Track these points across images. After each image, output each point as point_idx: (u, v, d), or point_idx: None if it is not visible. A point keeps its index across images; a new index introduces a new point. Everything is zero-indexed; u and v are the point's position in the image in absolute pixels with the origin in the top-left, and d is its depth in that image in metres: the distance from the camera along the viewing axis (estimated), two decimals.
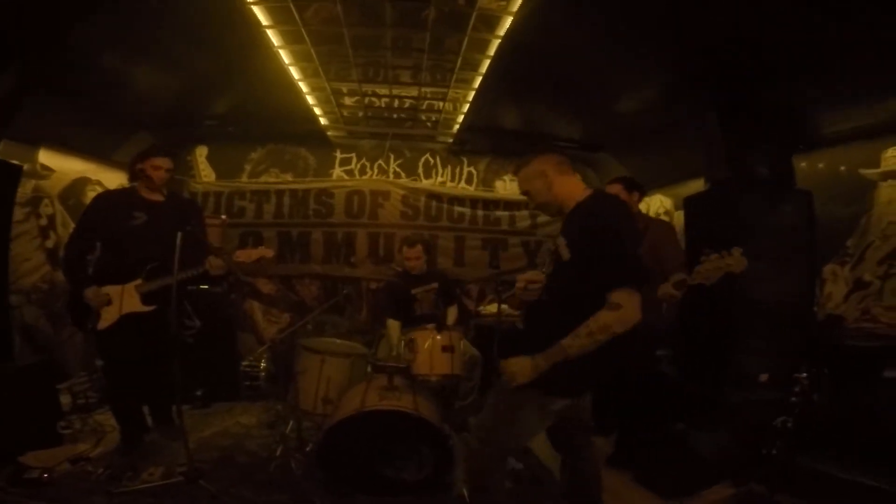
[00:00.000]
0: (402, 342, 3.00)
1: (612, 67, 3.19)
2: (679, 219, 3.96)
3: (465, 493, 2.42)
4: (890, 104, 2.76)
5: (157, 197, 2.76)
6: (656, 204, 4.50)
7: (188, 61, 3.24)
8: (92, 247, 2.75)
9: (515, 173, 1.90)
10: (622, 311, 1.54)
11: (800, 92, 2.95)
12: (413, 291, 3.59)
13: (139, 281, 2.63)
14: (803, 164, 3.28)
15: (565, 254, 1.67)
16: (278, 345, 3.00)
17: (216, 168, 4.82)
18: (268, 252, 2.76)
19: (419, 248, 3.61)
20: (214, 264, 2.59)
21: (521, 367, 1.62)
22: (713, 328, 3.00)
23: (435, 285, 3.64)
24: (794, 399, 2.54)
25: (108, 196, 2.93)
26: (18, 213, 3.24)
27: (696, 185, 3.72)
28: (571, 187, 1.80)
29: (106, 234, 2.70)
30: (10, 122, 2.88)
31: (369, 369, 3.11)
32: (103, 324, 2.60)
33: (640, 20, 2.58)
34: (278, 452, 2.77)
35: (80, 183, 3.98)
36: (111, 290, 2.63)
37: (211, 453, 2.86)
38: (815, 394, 2.59)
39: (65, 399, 3.28)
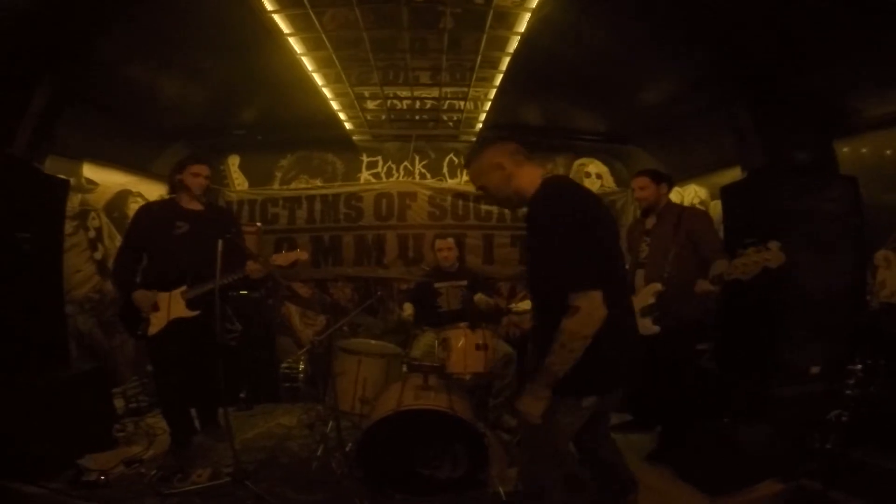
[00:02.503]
0: (436, 342, 3.02)
1: (637, 57, 3.10)
2: (715, 209, 3.84)
3: (501, 490, 2.43)
4: None
5: (197, 206, 2.87)
6: (690, 194, 4.37)
7: (215, 72, 3.33)
8: (139, 258, 2.88)
9: (466, 167, 1.73)
10: (581, 314, 1.44)
11: (836, 76, 2.80)
12: (437, 286, 3.61)
13: (184, 287, 2.75)
14: (846, 150, 3.12)
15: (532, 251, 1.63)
16: (316, 347, 3.05)
17: (248, 176, 4.96)
18: (303, 254, 2.87)
19: (451, 240, 3.64)
20: (253, 268, 2.71)
21: (528, 406, 1.56)
22: (755, 320, 2.90)
23: (464, 282, 3.64)
24: (849, 391, 2.44)
25: (150, 208, 3.06)
26: (68, 227, 3.39)
27: (732, 174, 3.59)
28: (532, 177, 1.64)
29: (151, 244, 2.83)
30: (52, 135, 2.99)
31: (404, 369, 3.15)
32: (153, 329, 2.73)
33: (665, 8, 2.51)
34: (319, 452, 2.84)
35: (123, 195, 4.17)
36: (158, 297, 2.75)
37: (255, 454, 2.95)
38: (871, 385, 2.47)
39: (118, 403, 3.43)
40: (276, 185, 4.94)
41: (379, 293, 4.56)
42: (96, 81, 3.10)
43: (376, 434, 2.46)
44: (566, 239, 1.48)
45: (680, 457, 2.69)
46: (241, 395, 3.80)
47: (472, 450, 2.48)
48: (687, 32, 2.71)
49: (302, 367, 4.19)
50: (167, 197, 2.99)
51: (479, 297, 3.60)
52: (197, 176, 2.82)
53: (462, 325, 2.97)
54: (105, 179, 3.98)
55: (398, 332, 4.04)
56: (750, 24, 2.53)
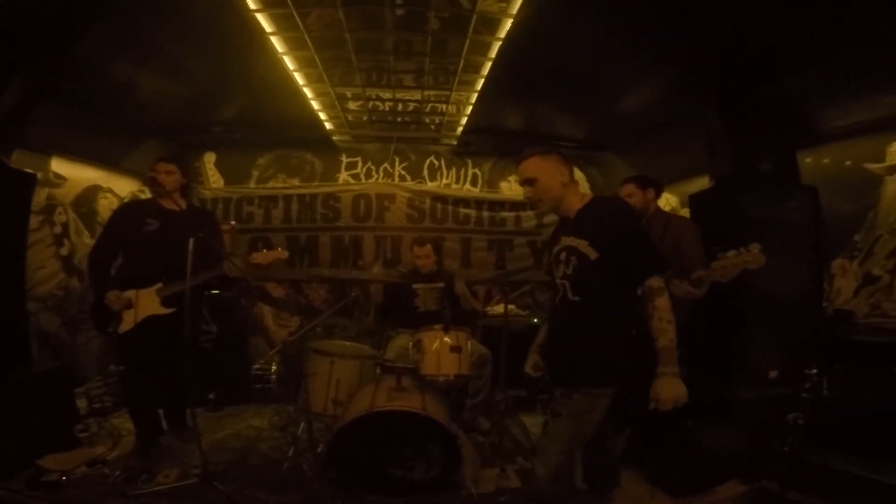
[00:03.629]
0: (410, 343, 3.03)
1: (613, 66, 3.19)
2: (685, 216, 3.96)
3: (474, 492, 2.45)
4: (894, 98, 2.76)
5: (175, 206, 2.84)
6: (662, 202, 4.47)
7: (194, 69, 3.30)
8: (115, 255, 2.86)
9: (529, 155, 1.90)
10: (666, 292, 1.71)
11: (802, 87, 2.94)
12: (414, 286, 3.62)
13: (159, 285, 2.72)
14: (808, 160, 3.28)
15: (591, 253, 1.73)
16: (289, 347, 3.03)
17: (224, 174, 4.89)
18: (282, 253, 2.89)
19: (429, 247, 3.65)
20: (231, 266, 2.70)
21: (678, 389, 1.67)
22: (720, 325, 3.00)
23: (441, 285, 3.66)
24: (804, 395, 2.54)
25: (129, 206, 3.09)
26: (33, 222, 3.31)
27: (702, 183, 3.72)
28: (577, 192, 1.91)
29: (127, 241, 2.81)
30: (23, 130, 2.95)
31: (378, 371, 3.14)
32: (124, 326, 2.69)
33: (640, 18, 2.59)
34: (290, 454, 2.82)
35: (92, 191, 4.06)
36: (132, 294, 2.71)
37: (224, 455, 2.91)
38: (825, 389, 2.58)
39: (81, 403, 3.33)
40: (252, 184, 4.88)
41: (353, 294, 4.54)
42: (70, 76, 3.04)
43: (349, 435, 2.46)
44: (645, 236, 1.81)
45: (648, 458, 2.75)
46: (211, 396, 3.74)
47: (445, 451, 2.50)
48: (663, 42, 2.80)
49: (274, 368, 4.16)
50: (148, 197, 2.99)
51: (459, 286, 3.63)
52: (169, 174, 2.83)
53: (437, 326, 2.98)
54: (74, 174, 3.88)
55: (373, 334, 4.04)
56: (723, 34, 2.63)
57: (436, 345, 2.89)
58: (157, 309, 2.71)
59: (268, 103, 3.90)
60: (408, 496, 2.46)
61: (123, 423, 3.25)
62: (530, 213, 4.86)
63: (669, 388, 1.65)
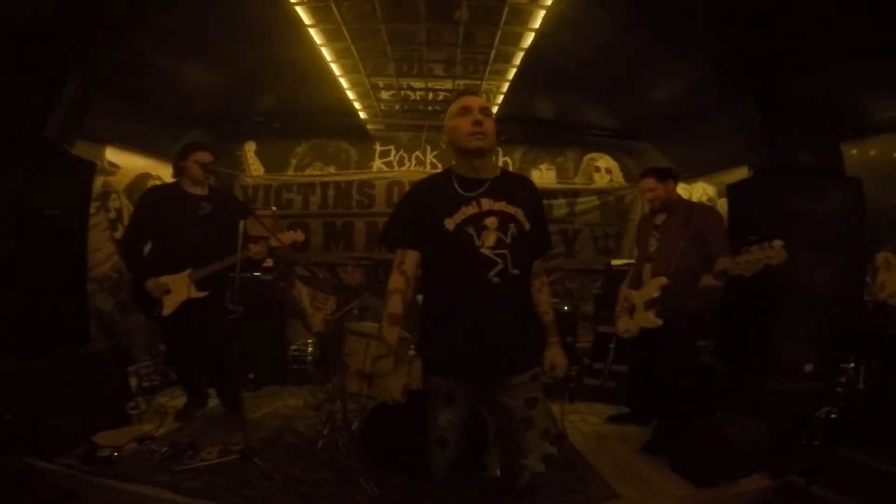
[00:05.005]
0: None
1: (650, 55, 3.15)
2: (722, 206, 3.86)
3: (499, 473, 2.52)
4: None
5: (200, 191, 2.95)
6: (699, 191, 4.41)
7: (236, 60, 3.43)
8: (144, 240, 2.96)
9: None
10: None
11: (846, 78, 2.82)
12: None
13: (190, 269, 2.84)
14: (854, 152, 3.15)
15: (526, 224, 1.65)
16: (327, 328, 3.15)
17: (264, 162, 5.08)
18: (299, 235, 2.97)
19: None
20: (255, 250, 2.81)
21: (563, 356, 1.73)
22: (754, 317, 2.96)
23: None
24: (839, 389, 2.49)
25: (155, 191, 3.15)
26: (90, 207, 3.41)
27: (741, 173, 3.63)
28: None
29: (157, 227, 2.91)
30: (81, 120, 3.07)
31: (411, 352, 3.23)
32: (166, 311, 2.83)
33: (677, 7, 2.54)
34: (325, 432, 2.92)
35: (143, 178, 4.28)
36: (168, 279, 2.84)
37: (262, 433, 3.01)
38: (862, 384, 2.52)
39: (132, 381, 3.50)
40: (290, 171, 5.05)
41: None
42: (123, 69, 3.20)
43: (381, 415, 2.53)
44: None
45: (674, 449, 2.76)
46: (250, 376, 3.89)
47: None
48: (700, 31, 2.74)
49: (311, 349, 4.30)
50: (171, 181, 3.06)
51: None
52: (199, 163, 2.89)
53: None
54: (126, 163, 4.10)
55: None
56: (762, 23, 2.55)
57: None
58: (193, 293, 2.84)
59: (305, 94, 4.03)
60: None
61: (170, 401, 3.44)
62: (562, 201, 4.84)
63: (562, 355, 1.72)
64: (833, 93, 2.95)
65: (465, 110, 1.66)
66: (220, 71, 3.61)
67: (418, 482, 2.38)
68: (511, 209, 1.64)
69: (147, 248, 3.00)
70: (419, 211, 1.67)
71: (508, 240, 1.60)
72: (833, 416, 2.42)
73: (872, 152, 3.08)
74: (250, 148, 5.07)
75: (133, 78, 3.40)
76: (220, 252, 2.83)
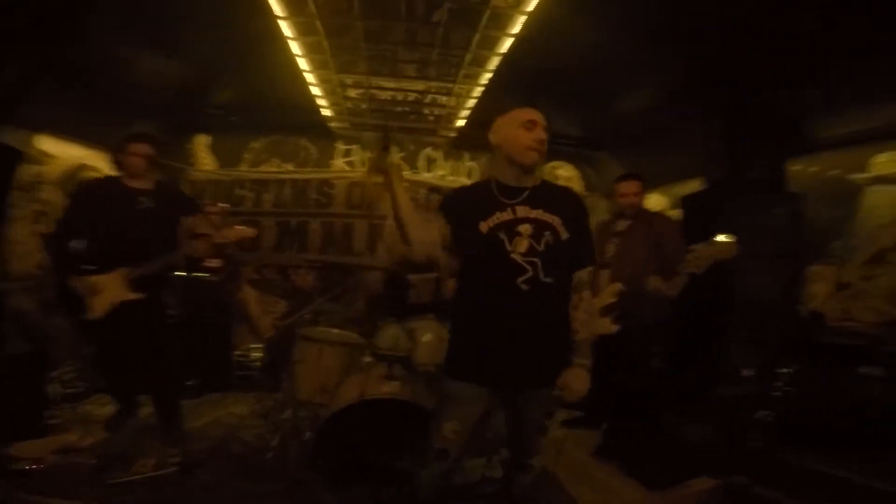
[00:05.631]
0: (403, 332, 3.04)
1: (616, 70, 3.26)
2: (674, 217, 4.05)
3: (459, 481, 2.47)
4: (881, 112, 2.87)
5: (142, 184, 2.73)
6: (652, 202, 4.58)
7: (196, 49, 3.25)
8: (76, 236, 2.70)
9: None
10: (589, 286, 1.72)
11: (794, 99, 3.05)
12: (410, 277, 3.62)
13: (126, 269, 2.61)
14: (797, 168, 3.38)
15: (563, 233, 1.65)
16: (279, 333, 3.01)
17: (217, 157, 4.82)
18: (249, 231, 2.82)
19: None
20: (198, 248, 2.63)
21: (586, 383, 1.62)
22: (703, 324, 3.10)
23: (434, 275, 3.67)
24: (776, 393, 2.63)
25: (91, 185, 2.91)
26: (16, 198, 3.21)
27: (692, 186, 3.81)
28: None
29: (91, 222, 2.67)
30: (15, 108, 2.85)
31: (367, 359, 3.15)
32: (94, 313, 2.58)
33: (647, 25, 2.64)
34: (274, 442, 2.79)
35: (79, 169, 3.93)
36: (99, 279, 2.59)
37: (204, 443, 2.83)
38: (793, 389, 2.67)
39: (53, 388, 3.22)
40: (244, 167, 4.82)
41: (349, 281, 4.49)
42: (66, 52, 2.96)
43: (338, 423, 2.44)
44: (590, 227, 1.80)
45: (626, 453, 2.82)
46: (190, 383, 3.64)
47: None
48: (666, 49, 2.86)
49: (257, 354, 4.12)
50: (110, 175, 2.84)
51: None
52: (135, 155, 2.66)
53: (430, 316, 3.00)
54: (62, 152, 3.75)
55: (360, 323, 4.03)
56: (726, 44, 2.70)
57: (428, 334, 2.91)
58: (126, 294, 2.60)
59: (267, 87, 3.87)
60: (395, 485, 2.47)
61: (96, 409, 3.19)
62: None
63: (583, 381, 1.61)
64: (784, 112, 3.16)
65: (532, 124, 1.70)
66: (176, 59, 3.40)
67: (389, 493, 2.34)
68: (548, 217, 1.65)
69: (79, 244, 2.72)
70: (459, 214, 1.67)
71: (541, 248, 1.61)
72: (770, 419, 2.55)
73: (812, 169, 3.32)
74: (202, 141, 4.79)
75: (76, 62, 3.13)
76: (159, 250, 2.63)
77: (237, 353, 4.04)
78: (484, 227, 1.63)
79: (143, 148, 2.68)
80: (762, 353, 2.86)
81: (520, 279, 1.59)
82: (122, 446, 2.65)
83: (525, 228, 1.63)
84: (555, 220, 1.65)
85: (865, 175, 3.03)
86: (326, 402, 2.85)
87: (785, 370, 2.48)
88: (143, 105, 4.05)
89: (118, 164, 2.73)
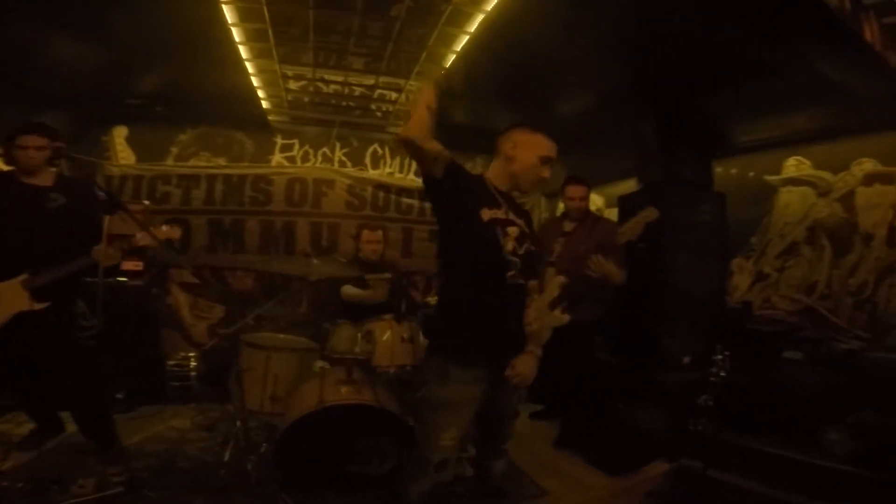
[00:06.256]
0: (359, 334, 2.96)
1: (560, 73, 3.37)
2: (610, 215, 4.31)
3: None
4: (793, 119, 3.22)
5: (41, 181, 2.43)
6: (590, 201, 4.82)
7: (117, 33, 2.91)
8: None
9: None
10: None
11: (722, 104, 3.32)
12: (366, 277, 3.54)
13: (25, 276, 2.32)
14: (718, 170, 3.71)
15: (531, 245, 1.82)
16: (214, 340, 2.82)
17: (138, 150, 4.36)
18: (173, 232, 2.61)
19: (380, 232, 3.57)
20: (103, 253, 2.31)
21: (535, 370, 1.76)
22: (642, 315, 3.31)
23: (388, 274, 3.61)
24: (713, 379, 2.88)
25: None
26: None
27: (627, 186, 4.05)
28: None
29: None
30: None
31: (319, 364, 3.04)
32: None
33: (589, 32, 2.75)
34: (227, 456, 2.62)
35: None
36: None
37: (146, 460, 2.63)
38: (726, 373, 2.94)
39: None
40: (170, 161, 4.42)
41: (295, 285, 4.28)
42: None
43: (297, 432, 2.35)
44: None
45: (585, 442, 2.96)
46: (119, 396, 3.35)
47: (400, 443, 2.48)
48: (607, 54, 3.00)
49: (193, 363, 3.84)
50: (4, 170, 2.51)
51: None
52: (24, 148, 2.36)
53: (387, 317, 2.95)
54: None
55: (305, 326, 3.87)
56: (660, 51, 2.88)
57: (387, 335, 2.86)
58: (27, 304, 2.32)
59: (198, 76, 3.56)
60: (364, 491, 2.41)
61: (12, 428, 2.84)
62: None
63: (531, 366, 1.76)
64: (708, 117, 3.44)
65: (548, 160, 1.85)
66: (92, 43, 3.03)
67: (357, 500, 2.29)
68: (525, 228, 1.81)
69: None
70: (462, 189, 1.73)
71: (522, 251, 1.76)
72: (710, 403, 2.79)
73: (733, 171, 3.67)
74: (120, 133, 4.32)
75: None
76: (66, 254, 2.35)
77: (171, 362, 3.74)
78: (486, 215, 1.72)
79: (30, 140, 2.36)
80: (697, 341, 3.09)
81: (508, 275, 1.72)
82: (53, 468, 2.38)
83: (513, 230, 1.76)
84: (527, 232, 1.82)
85: (779, 177, 3.39)
86: (279, 412, 2.74)
87: (719, 357, 2.69)
88: (53, 93, 3.61)
89: (8, 159, 2.40)
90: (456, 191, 1.71)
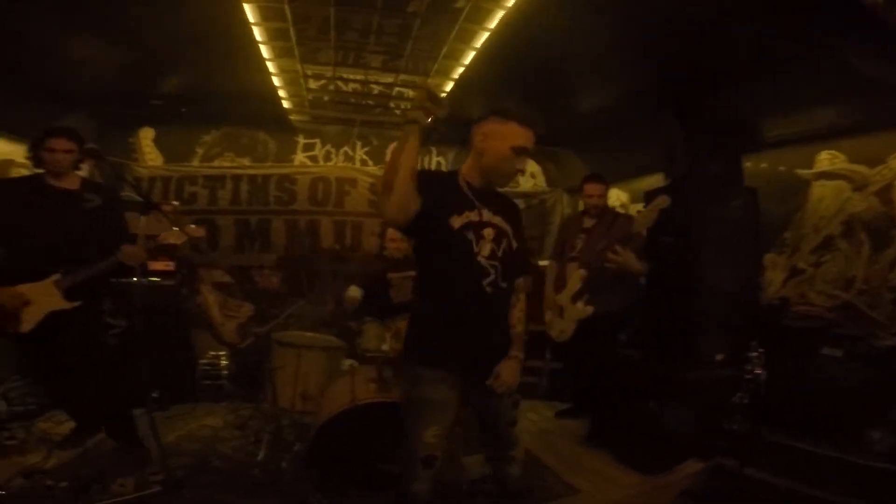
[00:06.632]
0: (388, 332, 2.97)
1: (580, 67, 3.32)
2: (635, 210, 4.22)
3: (458, 480, 2.48)
4: (824, 113, 3.11)
5: (69, 184, 2.50)
6: (613, 198, 4.75)
7: (140, 33, 2.95)
8: None
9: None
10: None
11: (750, 99, 3.23)
12: (389, 276, 3.55)
13: (57, 276, 2.39)
14: (748, 164, 3.61)
15: (513, 242, 1.72)
16: (243, 339, 2.86)
17: (164, 151, 4.47)
18: (197, 231, 2.65)
19: None
20: (129, 253, 2.40)
21: (518, 376, 1.71)
22: (671, 311, 3.25)
23: (413, 273, 3.60)
24: (747, 377, 2.82)
25: (9, 184, 2.66)
26: None
27: (651, 181, 3.98)
28: None
29: (10, 228, 2.43)
30: None
31: (348, 363, 3.06)
32: (26, 326, 2.35)
33: (611, 25, 2.70)
34: (261, 454, 2.66)
35: (5, 165, 3.52)
36: (26, 288, 2.35)
37: (182, 459, 2.69)
38: (761, 371, 2.88)
39: (0, 406, 2.96)
40: (196, 162, 4.50)
41: (323, 283, 4.32)
42: None
43: (330, 430, 2.37)
44: None
45: (615, 440, 2.93)
46: (154, 395, 3.39)
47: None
48: (631, 49, 2.94)
49: (224, 362, 3.91)
50: (31, 173, 2.58)
51: None
52: (53, 151, 2.42)
53: None
54: None
55: (330, 325, 3.90)
56: (685, 46, 2.81)
57: None
58: (59, 303, 2.39)
59: (221, 76, 3.60)
60: (392, 490, 2.44)
61: (54, 426, 2.93)
62: None
63: (515, 373, 1.70)
64: (737, 111, 3.35)
65: (522, 151, 1.68)
66: (116, 44, 3.08)
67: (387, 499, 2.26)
68: (504, 225, 1.70)
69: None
70: (430, 197, 1.58)
71: (500, 253, 1.66)
72: (744, 400, 2.74)
73: (763, 165, 3.57)
74: (147, 135, 4.43)
75: (1, 47, 2.80)
76: (98, 254, 2.42)
77: (203, 361, 3.82)
78: (456, 222, 1.62)
79: (59, 143, 2.43)
80: (731, 337, 3.02)
81: (485, 281, 1.63)
82: (94, 466, 2.46)
83: (489, 232, 1.66)
84: (508, 230, 1.71)
85: (811, 171, 3.29)
86: (310, 410, 2.77)
87: (754, 354, 2.63)
88: (79, 95, 3.69)
89: (37, 161, 2.47)
90: (426, 204, 1.56)
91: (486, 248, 1.64)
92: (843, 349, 2.69)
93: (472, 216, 1.65)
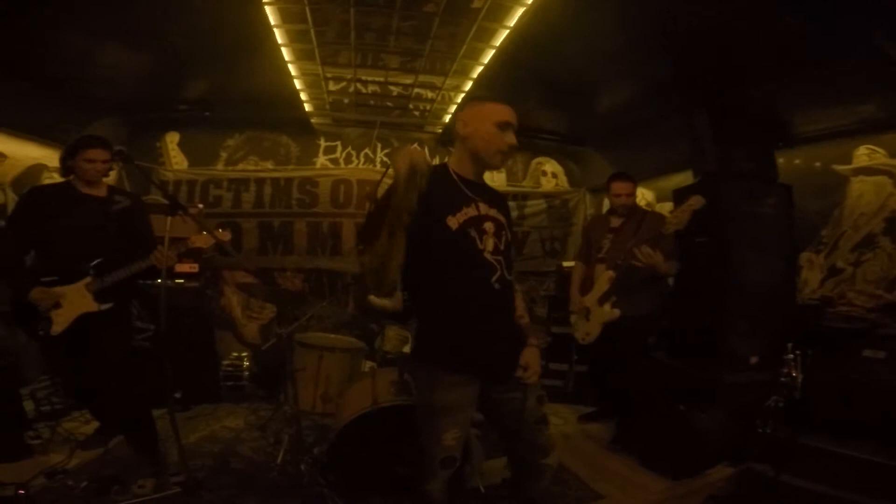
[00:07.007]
0: (409, 333, 2.95)
1: (605, 65, 3.24)
2: (662, 209, 4.10)
3: (480, 485, 2.43)
4: (861, 108, 2.97)
5: (96, 191, 2.55)
6: (638, 196, 4.63)
7: (163, 39, 3.01)
8: (27, 248, 2.51)
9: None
10: None
11: (782, 93, 3.10)
12: None
13: (88, 279, 2.44)
14: (781, 160, 3.47)
15: (508, 234, 1.69)
16: (264, 340, 2.86)
17: (189, 155, 4.55)
18: (224, 235, 2.65)
19: None
20: (160, 256, 2.42)
21: (538, 359, 1.69)
22: (702, 313, 3.14)
23: None
24: (783, 379, 2.70)
25: (42, 191, 2.70)
26: None
27: (677, 179, 3.86)
28: None
29: (44, 232, 2.47)
30: None
31: (369, 365, 3.04)
32: (57, 328, 2.39)
33: (633, 21, 2.63)
34: (280, 456, 2.66)
35: (37, 170, 3.64)
36: (61, 290, 2.41)
37: (202, 460, 2.70)
38: (799, 374, 2.75)
39: (27, 406, 3.00)
40: (220, 166, 4.57)
41: (350, 282, 4.32)
42: (21, 42, 2.71)
43: (351, 433, 2.33)
44: None
45: (642, 445, 2.84)
46: (177, 395, 3.43)
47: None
48: (655, 44, 2.86)
49: (246, 363, 3.95)
50: (62, 180, 2.63)
51: None
52: (92, 162, 2.48)
53: None
54: (16, 152, 3.47)
55: (352, 326, 3.90)
56: (711, 39, 2.72)
57: None
58: (91, 305, 2.42)
59: (243, 80, 3.65)
60: (412, 493, 2.40)
61: (78, 426, 2.99)
62: (512, 203, 4.79)
63: (539, 359, 1.70)
64: (768, 106, 3.22)
65: (507, 126, 1.61)
66: (142, 50, 3.15)
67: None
68: (500, 217, 1.67)
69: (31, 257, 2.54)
70: (425, 204, 1.47)
71: (502, 246, 1.64)
72: (780, 404, 2.61)
73: (797, 161, 3.42)
74: (172, 139, 4.51)
75: (32, 53, 2.87)
76: (128, 257, 2.47)
77: (225, 362, 3.85)
78: (453, 222, 1.56)
79: (96, 153, 2.48)
80: (765, 339, 2.90)
81: (493, 278, 1.60)
82: (115, 466, 2.48)
83: (489, 226, 1.62)
84: (504, 221, 1.68)
85: (849, 167, 3.14)
86: (330, 412, 2.75)
87: (791, 356, 2.50)
88: (107, 101, 3.77)
89: (68, 170, 2.53)
90: (423, 205, 1.45)
91: (490, 244, 1.61)
92: (887, 351, 2.54)
93: (471, 211, 1.60)
